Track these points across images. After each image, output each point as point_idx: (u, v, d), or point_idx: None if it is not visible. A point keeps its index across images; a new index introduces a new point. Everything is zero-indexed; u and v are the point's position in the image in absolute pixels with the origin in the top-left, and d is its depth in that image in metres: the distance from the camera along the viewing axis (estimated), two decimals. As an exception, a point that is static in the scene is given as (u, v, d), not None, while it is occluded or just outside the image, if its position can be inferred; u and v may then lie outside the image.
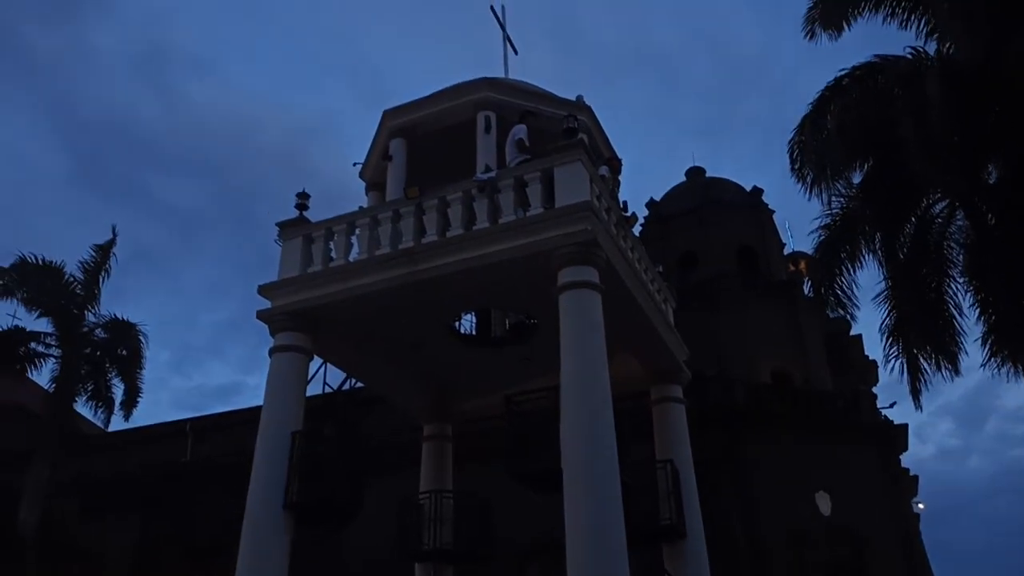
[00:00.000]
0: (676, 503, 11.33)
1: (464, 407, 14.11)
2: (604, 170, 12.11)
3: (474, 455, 16.62)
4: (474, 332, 12.71)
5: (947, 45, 13.70)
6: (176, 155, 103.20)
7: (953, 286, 14.24)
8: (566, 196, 9.91)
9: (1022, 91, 11.51)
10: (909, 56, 13.66)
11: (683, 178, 33.26)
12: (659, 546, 11.60)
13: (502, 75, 14.19)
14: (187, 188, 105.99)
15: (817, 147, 14.25)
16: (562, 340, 9.29)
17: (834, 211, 14.43)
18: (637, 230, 16.35)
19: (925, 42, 14.15)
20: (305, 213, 11.70)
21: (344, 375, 13.93)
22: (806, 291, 26.54)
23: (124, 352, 22.29)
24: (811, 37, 14.88)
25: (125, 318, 22.46)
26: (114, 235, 22.27)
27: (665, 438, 12.21)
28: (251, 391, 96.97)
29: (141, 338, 22.42)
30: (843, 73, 14.10)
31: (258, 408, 10.83)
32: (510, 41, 15.25)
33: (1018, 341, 13.37)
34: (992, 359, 14.14)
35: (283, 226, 11.67)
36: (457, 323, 12.44)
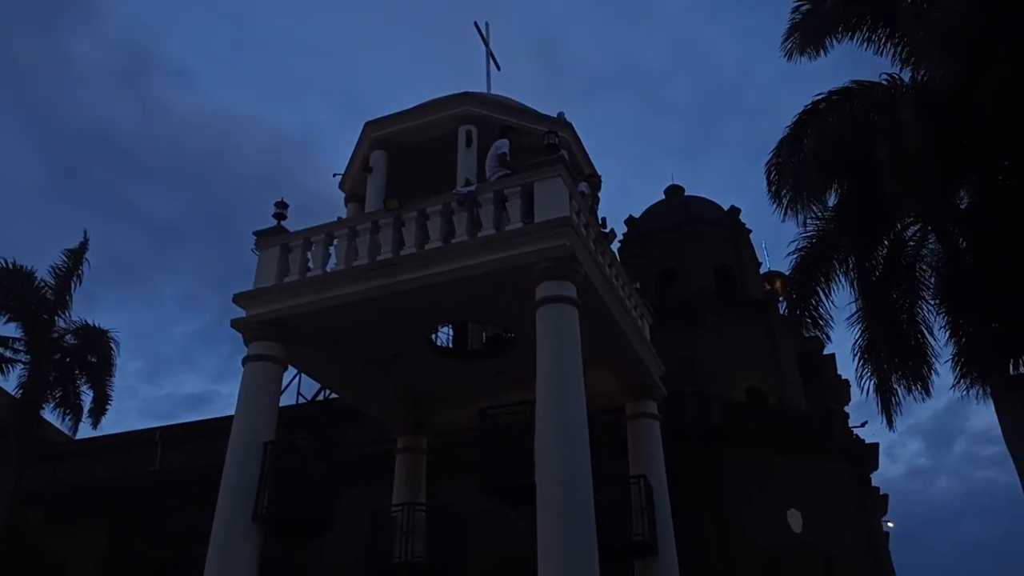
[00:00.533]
0: (649, 519, 11.34)
1: (439, 420, 14.05)
2: (584, 186, 12.19)
3: (448, 468, 16.54)
4: (451, 345, 12.69)
5: (921, 73, 14.00)
6: (156, 166, 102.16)
7: (925, 308, 14.47)
8: (545, 211, 9.96)
9: (995, 120, 11.76)
10: (884, 82, 13.95)
11: (662, 196, 33.53)
12: (631, 561, 11.59)
13: (484, 90, 14.27)
14: (166, 199, 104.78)
15: (794, 169, 14.48)
16: (538, 355, 9.31)
17: (809, 233, 14.64)
18: (616, 247, 16.46)
19: (901, 69, 14.46)
20: (283, 223, 11.65)
21: (319, 386, 13.84)
22: (781, 310, 26.77)
23: (94, 359, 21.96)
24: (789, 58, 15.16)
25: (96, 325, 22.18)
26: (86, 239, 22.07)
27: (640, 454, 12.24)
28: (223, 401, 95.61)
29: (112, 345, 22.14)
30: (820, 97, 14.36)
31: (230, 418, 10.72)
32: (493, 57, 15.36)
33: (986, 363, 13.59)
34: (961, 381, 14.37)
35: (260, 235, 11.60)
36: (434, 335, 12.41)
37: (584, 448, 8.75)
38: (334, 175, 14.77)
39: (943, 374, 14.51)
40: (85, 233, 22.15)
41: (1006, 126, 11.73)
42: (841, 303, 14.95)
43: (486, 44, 15.37)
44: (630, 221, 31.57)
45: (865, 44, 14.66)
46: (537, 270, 9.62)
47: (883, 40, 14.45)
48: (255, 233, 11.68)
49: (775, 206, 14.80)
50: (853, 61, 14.94)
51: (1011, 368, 13.84)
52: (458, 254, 10.20)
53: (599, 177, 13.63)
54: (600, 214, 12.73)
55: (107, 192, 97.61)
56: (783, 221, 14.69)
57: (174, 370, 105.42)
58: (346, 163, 14.50)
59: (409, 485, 13.43)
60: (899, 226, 14.42)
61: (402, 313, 10.90)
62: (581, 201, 10.99)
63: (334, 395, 14.06)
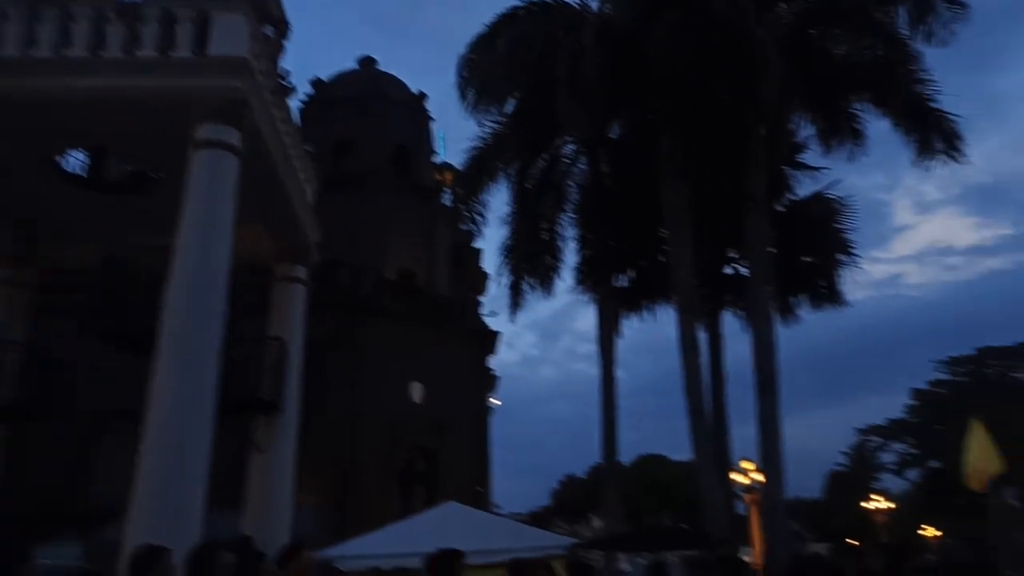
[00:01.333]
0: (278, 379, 11.45)
1: (56, 255, 12.35)
2: (269, 30, 11.26)
3: (61, 309, 14.77)
4: (84, 173, 11.08)
5: (608, 3, 15.13)
6: None
7: (564, 220, 16.33)
8: (221, 46, 9.04)
9: (659, 64, 12.89)
10: (576, 5, 14.86)
11: (355, 66, 32.42)
12: (253, 417, 11.66)
13: None
14: None
15: (484, 70, 14.93)
16: (186, 200, 8.59)
17: (485, 134, 15.39)
18: (297, 106, 15.62)
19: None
20: None
21: None
22: (446, 201, 28.08)
23: None
24: None
25: None
26: None
27: (282, 316, 12.16)
28: None
29: None
30: (519, 5, 14.84)
31: None
32: None
33: (599, 274, 15.93)
34: (578, 286, 16.70)
35: None
36: (61, 157, 10.72)
37: (220, 302, 8.41)
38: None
39: (565, 278, 16.69)
40: None
41: (666, 71, 12.87)
42: (497, 204, 16.18)
43: None
44: (317, 84, 30.16)
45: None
46: (200, 108, 8.76)
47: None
48: None
49: (462, 101, 15.19)
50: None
51: (615, 280, 16.45)
52: (107, 71, 8.86)
53: (288, 24, 12.65)
54: (283, 65, 11.92)
55: None
56: (467, 118, 15.19)
57: None
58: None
59: (5, 322, 11.75)
60: (559, 143, 15.82)
61: (24, 124, 9.22)
62: (264, 45, 10.16)
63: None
